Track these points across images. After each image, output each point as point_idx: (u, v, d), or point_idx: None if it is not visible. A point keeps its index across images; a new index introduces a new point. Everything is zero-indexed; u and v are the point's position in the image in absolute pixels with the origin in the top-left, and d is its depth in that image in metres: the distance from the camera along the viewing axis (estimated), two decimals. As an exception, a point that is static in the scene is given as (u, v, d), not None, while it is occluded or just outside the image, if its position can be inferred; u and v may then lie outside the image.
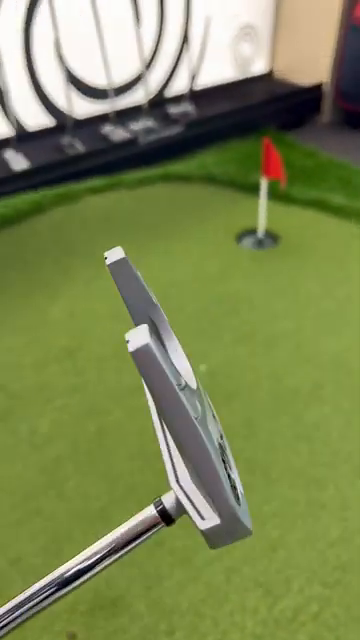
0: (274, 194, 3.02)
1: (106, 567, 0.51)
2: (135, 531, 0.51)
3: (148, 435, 1.87)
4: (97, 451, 1.83)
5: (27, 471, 1.78)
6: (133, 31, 3.48)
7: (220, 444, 0.52)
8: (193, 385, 0.53)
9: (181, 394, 0.41)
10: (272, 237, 2.88)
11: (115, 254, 0.52)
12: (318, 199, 3.12)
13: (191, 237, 2.88)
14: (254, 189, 3.09)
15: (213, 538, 0.47)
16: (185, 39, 3.86)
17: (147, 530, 0.51)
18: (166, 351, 0.53)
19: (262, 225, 2.80)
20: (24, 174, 3.06)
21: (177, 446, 0.48)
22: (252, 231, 2.89)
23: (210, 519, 0.47)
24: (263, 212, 2.76)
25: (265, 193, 2.69)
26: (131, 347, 0.37)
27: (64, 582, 0.51)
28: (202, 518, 0.47)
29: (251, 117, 3.92)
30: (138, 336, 0.38)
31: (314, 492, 1.69)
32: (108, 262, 0.52)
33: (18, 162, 3.13)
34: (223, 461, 0.49)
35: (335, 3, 3.86)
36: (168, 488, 0.51)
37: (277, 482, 1.71)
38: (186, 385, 0.50)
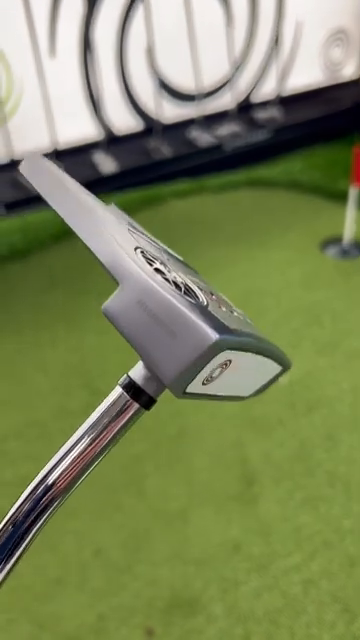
0: (361, 202, 2.98)
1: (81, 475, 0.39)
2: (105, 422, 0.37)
3: (227, 439, 1.89)
4: (177, 452, 1.87)
5: (108, 467, 1.83)
6: (224, 35, 3.50)
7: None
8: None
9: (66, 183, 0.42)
10: (358, 247, 2.83)
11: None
12: None
13: (274, 243, 2.88)
14: (340, 197, 3.05)
15: (132, 331, 0.32)
16: (276, 43, 3.84)
17: (124, 418, 0.37)
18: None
19: (349, 234, 2.76)
20: (112, 176, 3.15)
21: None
22: (337, 240, 2.85)
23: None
24: (351, 221, 2.71)
25: (354, 202, 2.65)
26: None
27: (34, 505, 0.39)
28: None
29: (339, 123, 3.86)
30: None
31: None
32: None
33: (107, 164, 3.22)
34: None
35: None
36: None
37: (357, 497, 1.69)
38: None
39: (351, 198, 2.64)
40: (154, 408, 0.37)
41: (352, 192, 2.63)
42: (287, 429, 1.91)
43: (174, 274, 0.38)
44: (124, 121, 3.52)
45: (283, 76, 4.02)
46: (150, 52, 3.30)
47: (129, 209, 3.01)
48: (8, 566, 0.38)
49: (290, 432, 1.90)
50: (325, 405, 1.99)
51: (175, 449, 1.88)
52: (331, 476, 1.76)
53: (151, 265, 0.36)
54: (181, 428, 1.94)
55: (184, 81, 3.56)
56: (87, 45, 3.20)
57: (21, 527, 0.38)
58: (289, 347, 2.24)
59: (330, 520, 1.64)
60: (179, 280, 0.36)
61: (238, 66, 3.74)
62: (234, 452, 1.85)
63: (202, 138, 3.47)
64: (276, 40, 3.83)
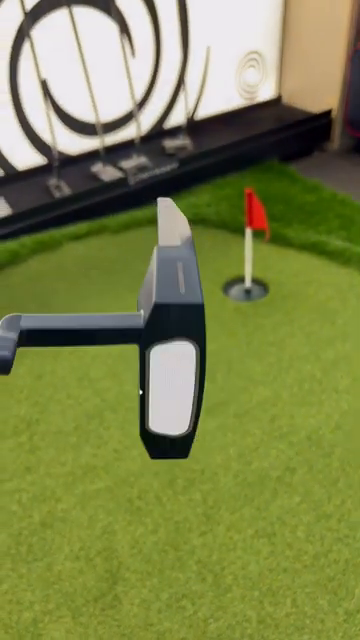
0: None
1: None
2: None
3: (97, 527, 1.72)
4: (39, 545, 1.69)
5: None
6: (125, 63, 3.35)
7: None
8: None
9: None
10: (262, 285, 2.70)
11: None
12: (315, 241, 2.93)
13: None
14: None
15: None
16: (184, 68, 3.71)
17: None
18: None
19: (249, 275, 2.63)
20: (4, 220, 2.95)
21: None
22: (240, 280, 2.71)
23: None
24: (249, 263, 2.58)
25: (250, 243, 2.51)
26: None
27: None
28: None
29: (255, 148, 3.73)
30: None
31: (268, 607, 1.51)
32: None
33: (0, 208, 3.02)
34: None
35: (344, 26, 3.67)
36: None
37: (225, 590, 1.54)
38: None
39: (247, 240, 2.51)
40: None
41: (248, 233, 2.50)
42: (165, 510, 1.75)
43: None
44: (22, 157, 3.33)
45: (196, 102, 3.89)
46: (44, 85, 3.13)
47: (20, 255, 2.83)
48: None
49: (167, 514, 1.74)
50: (208, 478, 1.84)
51: (37, 542, 1.70)
52: (203, 567, 1.60)
53: None
54: (48, 514, 1.76)
55: (86, 113, 3.39)
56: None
57: None
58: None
59: (197, 624, 1.48)
60: None
61: (143, 99, 3.59)
62: (101, 543, 1.68)
63: (106, 172, 3.30)
64: (184, 66, 3.70)
